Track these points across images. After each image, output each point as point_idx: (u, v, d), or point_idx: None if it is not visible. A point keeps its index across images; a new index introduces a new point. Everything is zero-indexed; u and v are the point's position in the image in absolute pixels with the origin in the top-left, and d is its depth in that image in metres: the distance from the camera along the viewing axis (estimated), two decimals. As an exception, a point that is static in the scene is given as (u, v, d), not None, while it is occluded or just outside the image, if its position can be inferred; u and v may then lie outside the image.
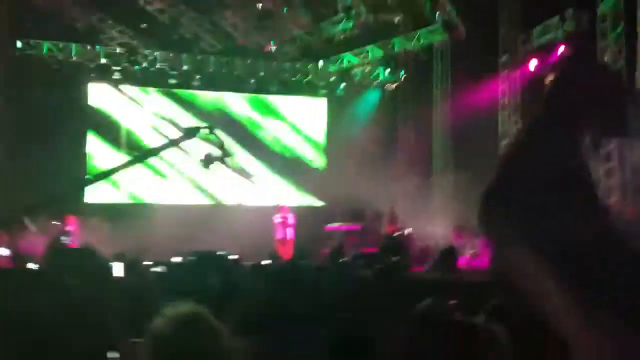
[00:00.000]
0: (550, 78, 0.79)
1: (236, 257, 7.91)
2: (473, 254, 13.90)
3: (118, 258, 6.10)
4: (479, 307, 3.93)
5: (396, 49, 17.59)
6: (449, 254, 9.71)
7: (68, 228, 12.99)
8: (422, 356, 2.04)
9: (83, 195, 15.87)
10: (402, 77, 18.62)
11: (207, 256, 4.86)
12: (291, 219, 14.65)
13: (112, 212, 15.25)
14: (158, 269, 7.74)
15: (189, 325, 1.76)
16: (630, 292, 0.64)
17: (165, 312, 1.83)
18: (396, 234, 13.80)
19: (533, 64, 15.60)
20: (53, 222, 12.80)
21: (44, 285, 2.25)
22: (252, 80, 17.88)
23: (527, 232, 0.68)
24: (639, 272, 0.65)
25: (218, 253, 6.63)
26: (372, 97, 18.86)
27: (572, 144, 0.72)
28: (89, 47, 16.32)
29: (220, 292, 3.47)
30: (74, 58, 16.31)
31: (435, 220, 15.99)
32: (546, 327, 0.71)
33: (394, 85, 18.82)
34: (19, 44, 15.71)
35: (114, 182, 16.50)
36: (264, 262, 8.26)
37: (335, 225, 15.23)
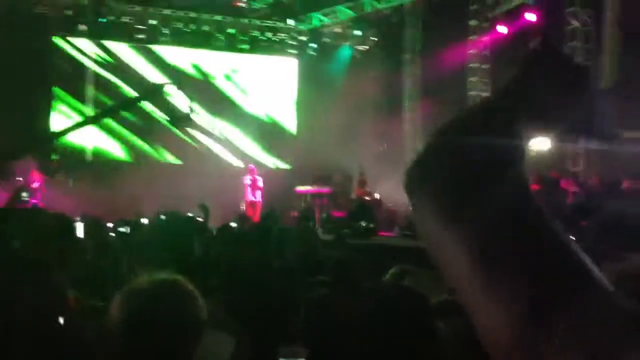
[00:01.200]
0: (516, 65, 0.78)
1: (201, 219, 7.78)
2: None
3: (79, 218, 5.95)
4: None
5: (366, 9, 17.39)
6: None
7: (32, 184, 12.71)
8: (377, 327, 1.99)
9: (49, 151, 15.54)
10: (372, 39, 18.47)
11: (176, 217, 4.74)
12: (260, 181, 14.53)
13: (77, 169, 14.99)
14: (123, 230, 7.61)
15: (164, 291, 1.72)
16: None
17: (139, 279, 1.78)
18: (365, 198, 13.80)
19: (502, 29, 15.59)
20: (17, 178, 12.51)
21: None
22: (222, 37, 17.52)
23: (450, 208, 0.67)
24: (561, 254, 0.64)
25: (187, 214, 6.50)
26: (343, 58, 18.68)
27: (514, 129, 0.70)
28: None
29: (189, 255, 3.38)
30: (38, 9, 15.74)
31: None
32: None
33: (364, 47, 18.66)
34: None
35: (81, 139, 16.17)
36: (231, 224, 8.19)
37: (305, 188, 15.17)
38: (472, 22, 16.85)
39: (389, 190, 15.13)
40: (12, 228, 2.57)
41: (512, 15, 15.24)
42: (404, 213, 13.71)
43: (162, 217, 9.35)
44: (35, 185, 12.96)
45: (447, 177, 0.69)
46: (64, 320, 1.91)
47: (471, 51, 16.90)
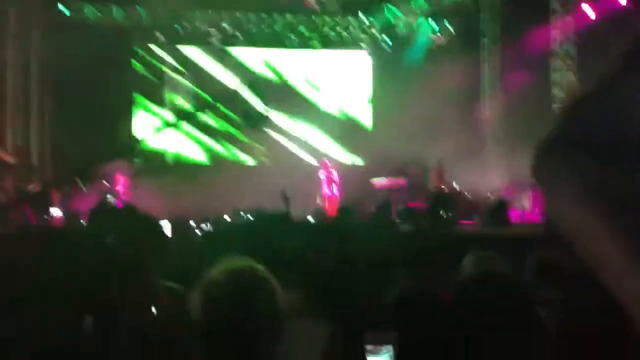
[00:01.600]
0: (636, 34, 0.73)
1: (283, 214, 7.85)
2: (525, 207, 13.66)
3: (166, 218, 6.14)
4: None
5: (442, 0, 17.08)
6: (500, 207, 9.48)
7: (117, 187, 13.21)
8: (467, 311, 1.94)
9: (132, 155, 16.11)
10: (448, 29, 18.12)
11: (261, 216, 4.80)
12: (335, 175, 14.55)
13: (159, 172, 15.44)
14: (206, 227, 7.78)
15: (243, 278, 1.74)
16: None
17: (220, 265, 1.80)
18: (444, 188, 13.60)
19: (587, 9, 15.00)
20: (102, 182, 13.03)
21: (85, 245, 2.19)
22: (293, 36, 17.65)
23: (591, 187, 0.64)
24: None
25: (269, 212, 6.58)
26: (418, 51, 18.40)
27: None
28: (130, 9, 16.28)
29: (273, 251, 3.40)
30: (117, 20, 16.33)
31: (485, 174, 15.72)
32: (601, 288, 0.66)
33: (440, 39, 18.33)
34: (61, 8, 15.80)
35: (161, 143, 16.68)
36: (309, 219, 8.26)
37: (381, 181, 15.09)
38: (554, 5, 16.26)
39: (468, 180, 14.86)
40: (105, 228, 2.66)
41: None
42: (484, 201, 13.44)
43: (242, 214, 9.56)
44: (119, 187, 13.45)
45: (585, 159, 0.66)
46: (157, 313, 1.97)
47: (554, 34, 16.32)
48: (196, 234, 6.53)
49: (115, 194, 12.36)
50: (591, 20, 14.78)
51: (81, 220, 9.06)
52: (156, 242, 2.96)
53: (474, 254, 3.72)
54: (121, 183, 13.49)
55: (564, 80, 16.04)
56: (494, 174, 15.48)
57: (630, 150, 0.64)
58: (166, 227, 5.24)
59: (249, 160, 17.50)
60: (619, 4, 13.67)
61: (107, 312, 1.96)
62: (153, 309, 2.01)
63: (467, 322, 1.91)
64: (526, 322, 1.89)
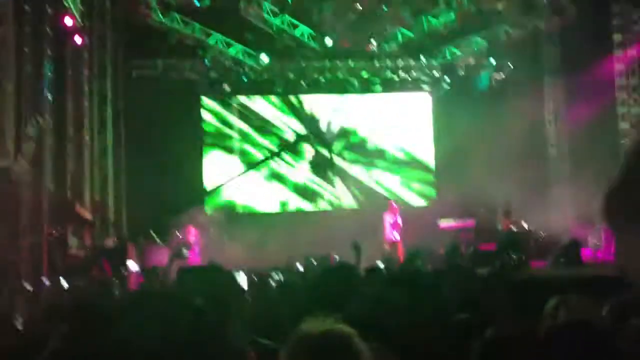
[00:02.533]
0: None
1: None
2: (596, 245, 13.27)
3: (240, 270, 6.29)
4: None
5: (501, 37, 17.06)
6: (572, 246, 9.30)
7: (189, 239, 13.54)
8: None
9: (203, 206, 16.52)
10: (509, 66, 18.04)
11: (337, 267, 4.87)
12: (400, 220, 14.45)
13: (230, 223, 15.76)
14: (276, 277, 7.90)
15: (332, 342, 1.74)
16: None
17: (306, 328, 1.80)
18: (513, 228, 13.38)
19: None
20: (175, 234, 13.40)
21: (175, 308, 2.33)
22: (356, 81, 17.91)
23: None
24: None
25: (342, 261, 6.64)
26: (479, 89, 18.35)
27: None
28: (199, 63, 16.92)
29: (346, 301, 3.46)
30: (186, 74, 16.99)
31: (553, 212, 15.37)
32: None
33: (500, 76, 18.26)
34: (133, 65, 16.57)
35: (230, 193, 17.06)
36: (379, 266, 8.25)
37: (449, 222, 14.96)
38: (617, 37, 16.03)
39: (537, 220, 14.56)
40: (193, 286, 2.80)
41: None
42: (555, 241, 13.12)
43: (313, 261, 9.66)
44: (192, 239, 13.77)
45: None
46: None
47: (617, 67, 16.06)
48: (270, 284, 6.64)
49: (188, 245, 12.68)
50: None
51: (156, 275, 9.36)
52: (238, 298, 3.09)
53: (560, 298, 3.66)
54: (193, 234, 13.82)
55: (630, 113, 15.69)
56: (563, 212, 15.14)
57: None
58: (242, 279, 5.40)
59: (317, 207, 17.66)
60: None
61: None
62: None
63: None
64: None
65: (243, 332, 2.66)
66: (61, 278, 8.20)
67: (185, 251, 11.04)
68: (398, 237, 14.28)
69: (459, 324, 3.64)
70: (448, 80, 18.07)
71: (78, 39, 12.32)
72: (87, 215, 13.06)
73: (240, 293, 3.50)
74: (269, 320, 4.10)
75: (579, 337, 1.99)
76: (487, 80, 18.28)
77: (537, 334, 3.12)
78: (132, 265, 10.61)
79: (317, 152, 17.43)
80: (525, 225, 13.69)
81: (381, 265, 9.41)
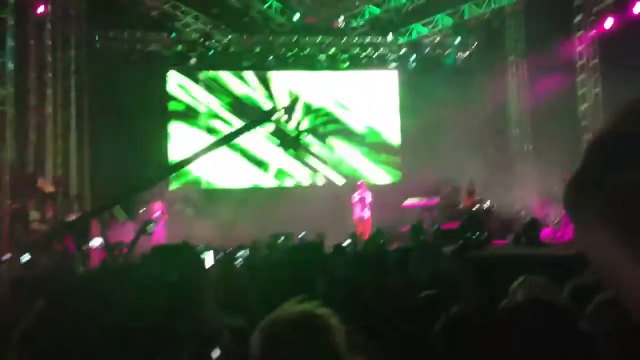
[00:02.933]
0: None
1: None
2: (557, 223, 13.58)
3: (207, 247, 6.29)
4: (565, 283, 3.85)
5: (466, 16, 17.18)
6: (532, 226, 9.54)
7: (155, 215, 13.45)
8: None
9: (168, 181, 16.39)
10: (474, 45, 18.20)
11: (299, 249, 4.92)
12: (369, 197, 14.61)
13: (194, 199, 15.67)
14: (241, 253, 7.93)
15: (305, 327, 1.76)
16: None
17: (281, 310, 1.82)
18: (475, 207, 13.61)
19: (609, 22, 15.01)
20: (141, 209, 13.29)
21: (148, 285, 2.34)
22: (323, 58, 17.86)
23: (628, 228, 0.59)
24: None
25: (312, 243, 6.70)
26: (445, 67, 18.49)
27: None
28: (165, 35, 16.66)
29: (312, 279, 3.51)
30: (151, 47, 16.73)
31: (515, 191, 15.68)
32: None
33: (465, 54, 18.42)
34: (97, 36, 16.24)
35: (192, 168, 16.93)
36: (345, 244, 8.36)
37: (413, 201, 15.12)
38: (577, 18, 16.29)
39: (499, 198, 14.83)
40: (164, 264, 2.78)
41: (619, 8, 14.64)
42: (516, 220, 13.41)
43: (279, 240, 9.72)
44: (156, 214, 13.67)
45: (625, 189, 0.61)
46: (221, 353, 2.04)
47: (578, 48, 16.34)
48: (235, 263, 6.65)
49: (153, 221, 12.58)
50: (612, 31, 14.79)
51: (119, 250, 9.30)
52: (206, 277, 3.09)
53: (525, 277, 3.76)
54: (158, 209, 13.73)
55: (590, 93, 16.00)
56: (525, 190, 15.44)
57: None
58: (208, 257, 5.40)
59: (284, 184, 17.67)
60: (634, 13, 13.73)
61: (172, 352, 2.06)
62: (217, 349, 2.10)
63: (520, 349, 1.95)
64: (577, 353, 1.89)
65: (216, 311, 2.67)
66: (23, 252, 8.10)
67: (150, 227, 10.95)
68: (368, 215, 14.42)
69: (425, 301, 3.72)
70: (415, 57, 18.14)
71: (40, 7, 12.02)
72: (50, 188, 12.87)
73: (207, 272, 3.51)
74: (234, 299, 4.14)
75: (539, 314, 2.05)
76: (451, 60, 18.44)
77: (498, 311, 3.22)
78: (96, 241, 10.51)
79: (284, 129, 17.38)
80: (488, 204, 13.92)
81: (346, 243, 9.54)
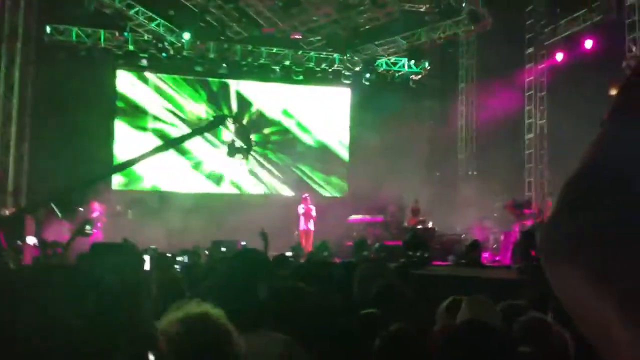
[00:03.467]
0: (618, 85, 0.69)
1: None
2: (496, 248, 13.85)
3: (147, 251, 6.13)
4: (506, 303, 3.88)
5: (422, 39, 17.45)
6: (473, 248, 9.67)
7: (93, 215, 13.09)
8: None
9: (110, 182, 16.03)
10: (427, 69, 18.48)
11: (243, 257, 4.80)
12: (314, 211, 14.59)
13: (136, 200, 15.35)
14: (181, 259, 7.78)
15: (196, 327, 1.72)
16: None
17: (174, 312, 1.77)
18: (419, 227, 13.74)
19: (559, 56, 15.49)
20: (79, 209, 12.92)
21: (82, 283, 2.21)
22: (278, 69, 17.83)
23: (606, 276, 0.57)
24: None
25: (255, 251, 6.56)
26: (397, 88, 18.70)
27: None
28: (117, 34, 16.33)
29: (253, 296, 3.42)
30: (102, 44, 16.38)
31: (457, 214, 15.92)
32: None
33: (418, 77, 18.69)
34: (48, 30, 15.81)
35: (137, 170, 16.61)
36: (288, 254, 8.27)
37: (358, 217, 15.19)
38: (529, 50, 16.75)
39: (442, 219, 15.04)
40: (100, 262, 2.68)
41: (570, 43, 15.11)
42: (458, 242, 13.60)
43: (222, 248, 9.59)
44: (95, 214, 13.29)
45: (598, 240, 0.59)
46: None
47: (528, 79, 16.79)
48: (175, 269, 6.49)
49: (92, 221, 12.24)
50: (562, 64, 15.26)
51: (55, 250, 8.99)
52: (145, 279, 2.99)
53: (454, 298, 3.78)
54: (97, 209, 13.36)
55: (535, 124, 16.45)
56: (468, 213, 15.70)
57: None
58: (146, 260, 5.25)
59: (230, 191, 17.50)
60: (585, 49, 14.21)
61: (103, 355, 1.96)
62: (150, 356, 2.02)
63: None
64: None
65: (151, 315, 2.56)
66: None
67: (88, 227, 10.63)
68: (312, 227, 14.41)
69: (366, 318, 3.69)
70: (368, 76, 18.28)
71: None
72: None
73: (147, 275, 3.40)
74: (170, 304, 4.01)
75: (474, 336, 2.04)
76: (403, 84, 18.66)
77: (434, 331, 3.21)
78: (30, 238, 10.14)
79: (232, 136, 17.18)
80: (431, 225, 14.09)
81: (289, 254, 9.46)
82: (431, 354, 2.17)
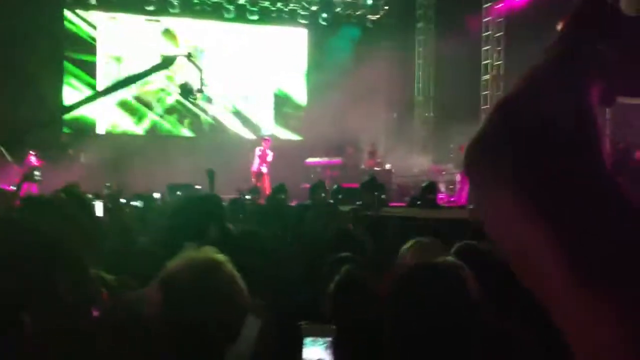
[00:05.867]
0: (564, 19, 0.69)
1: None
2: (451, 189, 14.04)
3: (97, 196, 5.99)
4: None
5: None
6: (429, 189, 9.77)
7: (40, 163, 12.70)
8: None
9: (61, 126, 15.62)
10: (384, 8, 18.25)
11: (190, 199, 4.74)
12: (270, 156, 14.44)
13: (88, 143, 15.02)
14: (136, 204, 7.65)
15: (206, 273, 1.67)
16: None
17: (181, 257, 1.72)
18: (376, 168, 13.81)
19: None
20: (30, 154, 12.59)
21: (22, 236, 2.12)
22: (232, 8, 17.37)
23: (526, 181, 0.58)
24: None
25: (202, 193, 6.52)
26: (354, 29, 18.48)
27: (583, 93, 0.62)
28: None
29: (203, 236, 3.37)
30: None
31: (414, 156, 16.05)
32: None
33: (375, 17, 18.46)
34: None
35: (91, 113, 16.20)
36: (247, 197, 8.26)
37: (316, 160, 15.17)
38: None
39: (399, 161, 15.14)
40: (37, 215, 2.57)
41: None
42: (414, 183, 13.75)
43: (178, 192, 9.49)
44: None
45: (521, 153, 0.60)
46: (99, 313, 1.91)
47: (485, 19, 16.72)
48: (128, 213, 6.37)
49: (40, 168, 11.86)
50: (520, 4, 15.21)
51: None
52: (89, 225, 2.89)
53: (416, 240, 3.79)
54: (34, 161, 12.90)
55: (492, 65, 16.49)
56: (424, 155, 15.84)
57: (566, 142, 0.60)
58: (98, 206, 5.13)
59: (184, 132, 17.25)
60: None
61: (43, 310, 1.89)
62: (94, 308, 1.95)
63: (404, 313, 1.93)
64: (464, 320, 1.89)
65: (97, 267, 2.47)
66: None
67: (37, 173, 10.32)
68: (264, 170, 14.30)
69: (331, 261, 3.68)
70: (325, 16, 17.97)
71: None
72: None
73: (95, 222, 3.31)
74: (125, 252, 3.94)
75: (428, 278, 2.03)
76: (360, 24, 18.40)
77: (387, 274, 3.21)
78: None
79: (186, 78, 16.84)
80: (388, 167, 14.18)
81: (247, 197, 9.44)
82: (381, 297, 2.16)
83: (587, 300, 0.54)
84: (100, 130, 16.55)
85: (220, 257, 1.74)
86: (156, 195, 8.97)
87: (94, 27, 16.67)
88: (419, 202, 9.79)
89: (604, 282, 0.54)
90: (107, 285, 2.22)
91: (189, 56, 13.29)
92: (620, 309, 0.53)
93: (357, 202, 9.12)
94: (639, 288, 0.53)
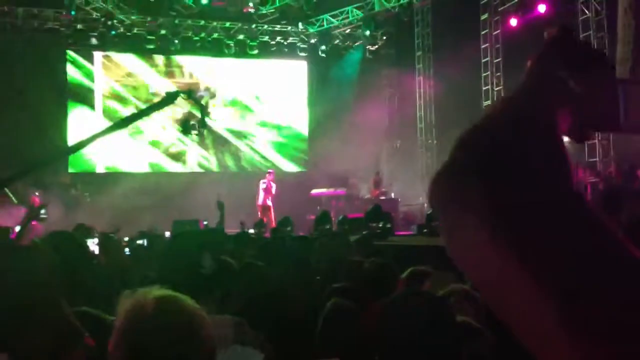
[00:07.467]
0: (532, 55, 0.72)
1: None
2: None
3: (94, 234, 5.96)
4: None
5: (376, 8, 17.32)
6: (434, 218, 9.70)
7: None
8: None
9: (66, 165, 15.66)
10: (382, 38, 18.39)
11: (182, 233, 4.71)
12: (274, 188, 14.43)
13: (91, 182, 15.05)
14: (140, 242, 7.63)
15: (171, 308, 1.61)
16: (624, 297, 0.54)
17: (136, 295, 1.65)
18: (381, 198, 13.76)
19: (513, 21, 15.52)
20: (34, 192, 12.61)
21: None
22: (232, 44, 17.53)
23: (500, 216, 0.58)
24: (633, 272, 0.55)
25: (197, 227, 6.49)
26: (354, 59, 18.60)
27: (548, 124, 0.64)
28: (64, 13, 15.79)
29: (197, 270, 3.33)
30: (49, 24, 15.83)
31: (419, 184, 16.00)
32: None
33: (374, 47, 18.58)
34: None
35: (93, 153, 16.25)
36: (251, 231, 8.20)
37: (320, 190, 15.15)
38: (483, 17, 16.74)
39: (405, 189, 15.09)
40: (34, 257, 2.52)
41: (524, 7, 15.15)
42: (420, 211, 13.68)
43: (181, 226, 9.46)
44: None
45: (484, 183, 0.61)
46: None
47: (483, 46, 16.80)
48: (124, 252, 6.29)
49: (45, 206, 11.83)
50: (516, 30, 15.31)
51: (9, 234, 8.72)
52: (79, 263, 2.83)
53: (412, 269, 3.74)
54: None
55: (492, 91, 16.52)
56: (427, 184, 15.78)
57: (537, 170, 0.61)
58: (93, 244, 5.13)
59: (187, 169, 17.26)
60: (540, 12, 14.29)
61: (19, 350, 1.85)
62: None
63: (403, 349, 1.92)
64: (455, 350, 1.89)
65: (83, 303, 2.42)
66: None
67: (43, 212, 10.30)
68: (270, 203, 14.29)
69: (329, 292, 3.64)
70: (324, 48, 18.11)
71: None
72: None
73: (88, 260, 3.27)
74: (120, 291, 3.88)
75: (416, 306, 2.03)
76: (359, 54, 18.52)
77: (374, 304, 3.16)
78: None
79: (187, 114, 16.91)
80: (393, 195, 14.13)
81: (251, 230, 9.39)
82: (371, 327, 2.15)
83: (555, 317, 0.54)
84: (101, 169, 16.57)
85: (184, 296, 1.66)
86: (167, 233, 8.95)
87: (95, 66, 16.80)
88: (424, 230, 9.72)
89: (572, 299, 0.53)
90: (103, 325, 2.17)
91: (189, 92, 13.37)
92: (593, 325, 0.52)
93: (363, 232, 9.06)
94: (606, 307, 0.52)
